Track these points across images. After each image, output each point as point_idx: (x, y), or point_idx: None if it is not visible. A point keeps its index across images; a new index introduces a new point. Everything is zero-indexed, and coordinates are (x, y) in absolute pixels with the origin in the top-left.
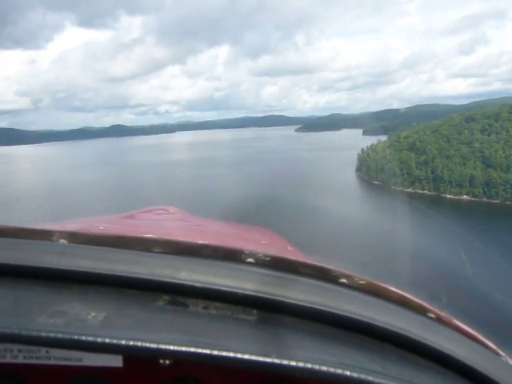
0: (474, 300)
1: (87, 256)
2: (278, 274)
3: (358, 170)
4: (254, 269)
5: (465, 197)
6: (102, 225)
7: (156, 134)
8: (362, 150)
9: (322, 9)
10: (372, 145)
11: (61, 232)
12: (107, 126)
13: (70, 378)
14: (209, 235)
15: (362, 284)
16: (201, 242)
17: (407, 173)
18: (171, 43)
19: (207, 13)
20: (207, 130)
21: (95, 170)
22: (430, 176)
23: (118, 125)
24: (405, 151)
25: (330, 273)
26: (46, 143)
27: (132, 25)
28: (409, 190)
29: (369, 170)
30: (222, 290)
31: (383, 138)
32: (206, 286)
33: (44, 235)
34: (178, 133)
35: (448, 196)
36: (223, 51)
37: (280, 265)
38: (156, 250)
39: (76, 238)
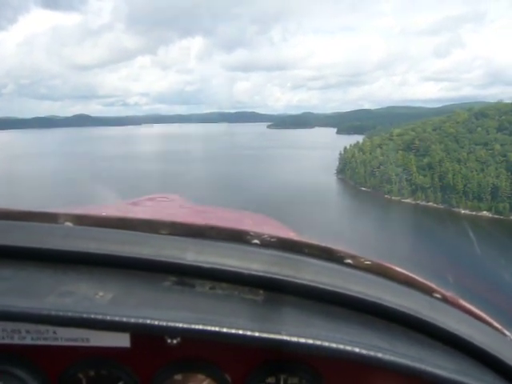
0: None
1: (93, 237)
2: (283, 254)
3: (340, 172)
4: (260, 250)
5: (485, 213)
6: (106, 211)
7: (123, 125)
8: (345, 148)
9: (300, 3)
10: (357, 143)
11: (66, 215)
12: (71, 115)
13: (78, 359)
14: (213, 219)
15: (367, 264)
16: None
17: (406, 179)
18: (142, 32)
19: (180, 1)
20: (176, 124)
21: (44, 160)
22: (437, 184)
23: (83, 115)
24: (401, 152)
25: (335, 253)
26: (6, 130)
27: (101, 9)
28: (408, 200)
29: (354, 173)
30: (228, 270)
31: (358, 137)
32: (212, 266)
33: (50, 218)
34: (146, 125)
35: (462, 211)
36: (196, 43)
37: (285, 246)
38: (162, 232)
39: (82, 220)
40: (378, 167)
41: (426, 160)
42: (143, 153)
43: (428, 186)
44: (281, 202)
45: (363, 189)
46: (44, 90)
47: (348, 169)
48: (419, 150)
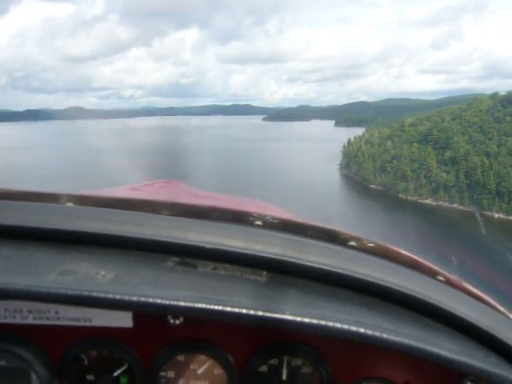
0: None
1: (94, 217)
2: (286, 236)
3: (345, 167)
4: (263, 231)
5: None
6: (107, 193)
7: (116, 118)
8: (349, 141)
9: None
10: (363, 135)
11: (68, 195)
12: (64, 107)
13: (80, 339)
14: (215, 201)
15: (371, 246)
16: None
17: (425, 176)
18: (136, 23)
19: None
20: (171, 117)
21: (28, 152)
22: (463, 182)
23: (76, 107)
24: (416, 144)
25: (338, 235)
26: None
27: (93, 0)
28: (427, 200)
29: (361, 168)
30: (231, 251)
31: (358, 129)
32: (215, 247)
33: (51, 198)
34: (140, 118)
35: (496, 215)
36: (191, 34)
37: (289, 227)
38: (163, 213)
39: (83, 200)
40: (390, 162)
41: (447, 154)
42: (134, 145)
43: (452, 184)
44: (277, 203)
45: (373, 186)
46: (37, 82)
47: (354, 163)
48: (438, 142)
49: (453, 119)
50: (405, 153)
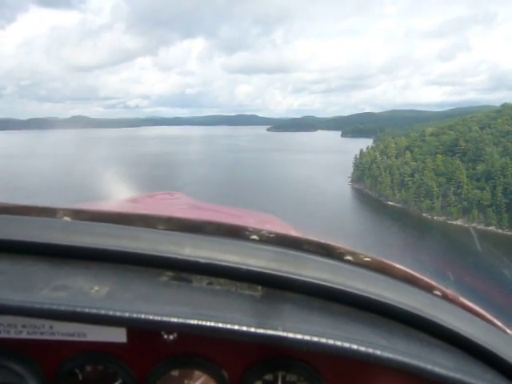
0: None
1: (90, 232)
2: (282, 250)
3: (357, 180)
4: (259, 245)
5: None
6: (105, 206)
7: (121, 127)
8: (361, 152)
9: (303, 6)
10: (377, 145)
11: (65, 209)
12: (68, 116)
13: (75, 354)
14: (211, 216)
15: (367, 261)
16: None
17: (454, 192)
18: (142, 32)
19: (181, 1)
20: (176, 127)
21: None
22: (501, 201)
23: (81, 116)
24: (440, 156)
25: (334, 250)
26: (1, 131)
27: (100, 8)
28: (457, 222)
29: (377, 182)
30: (226, 265)
31: (365, 140)
32: (210, 261)
33: (48, 212)
34: (145, 128)
35: None
36: (197, 44)
37: (284, 242)
38: (159, 227)
39: (80, 215)
40: (411, 175)
41: (480, 167)
42: (137, 155)
43: (488, 203)
44: (284, 220)
45: (391, 203)
46: (44, 91)
47: (368, 177)
48: (467, 154)
49: (481, 128)
50: (428, 165)
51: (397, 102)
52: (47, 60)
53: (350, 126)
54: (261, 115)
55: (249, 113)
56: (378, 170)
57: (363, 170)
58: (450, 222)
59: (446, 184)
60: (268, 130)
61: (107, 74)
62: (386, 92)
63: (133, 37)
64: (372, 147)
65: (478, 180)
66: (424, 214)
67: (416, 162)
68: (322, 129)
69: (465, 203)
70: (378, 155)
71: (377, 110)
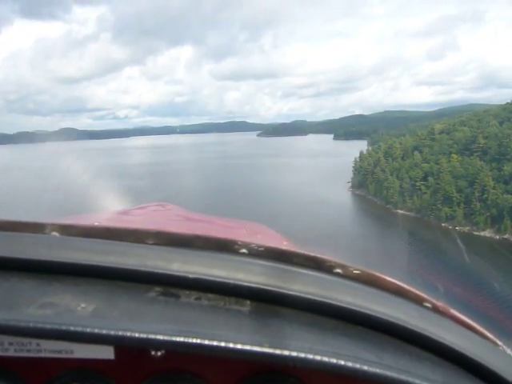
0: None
1: (78, 248)
2: (271, 264)
3: (359, 186)
4: (248, 259)
5: None
6: (95, 220)
7: (110, 138)
8: (361, 154)
9: (291, 9)
10: (379, 146)
11: (53, 224)
12: (56, 129)
13: (63, 372)
14: (203, 228)
15: (357, 274)
16: (193, 233)
17: (478, 198)
18: (129, 41)
19: (168, 9)
20: (165, 136)
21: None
22: None
23: (69, 128)
24: (455, 155)
25: (324, 263)
26: None
27: (85, 18)
28: (485, 232)
29: (382, 187)
30: (214, 280)
31: (358, 142)
32: (198, 276)
33: (36, 228)
34: (134, 138)
35: None
36: (185, 52)
37: (273, 255)
38: (148, 242)
39: (68, 230)
40: (424, 179)
41: (508, 168)
42: (125, 165)
43: None
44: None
45: (401, 212)
46: (32, 105)
47: (371, 182)
48: (488, 153)
49: (500, 122)
50: (444, 167)
51: (386, 103)
52: (34, 73)
53: (341, 128)
54: (251, 121)
55: (239, 119)
56: (384, 173)
57: (365, 175)
58: (476, 233)
59: (466, 188)
60: (258, 135)
61: (95, 85)
62: (375, 94)
63: (119, 46)
64: (373, 148)
65: (506, 183)
66: (443, 224)
67: (428, 163)
68: (313, 132)
69: (493, 210)
70: (382, 157)
71: (367, 112)
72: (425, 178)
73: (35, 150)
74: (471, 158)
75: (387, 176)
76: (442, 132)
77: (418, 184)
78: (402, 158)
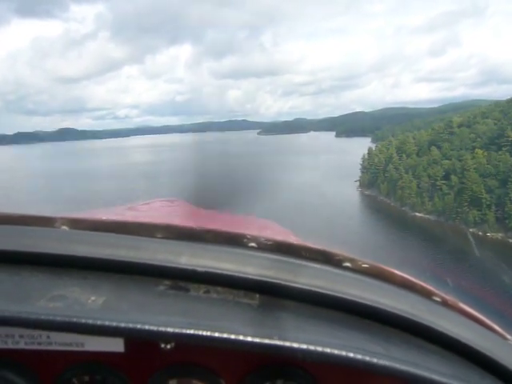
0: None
1: (88, 241)
2: (280, 258)
3: (368, 186)
4: (257, 253)
5: None
6: (104, 214)
7: (109, 138)
8: (370, 150)
9: (291, 7)
10: (390, 142)
11: (62, 218)
12: (56, 129)
13: (72, 364)
14: (211, 222)
15: (365, 267)
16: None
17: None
18: (128, 40)
19: (166, 7)
20: (166, 135)
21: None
22: None
23: (68, 128)
24: (480, 151)
25: (333, 256)
26: None
27: (83, 17)
28: None
29: (397, 187)
30: (223, 274)
31: (361, 139)
32: (207, 270)
33: (46, 222)
34: (134, 137)
35: None
36: (184, 50)
37: (282, 249)
38: (157, 236)
39: (78, 224)
40: (446, 178)
41: None
42: (126, 164)
43: None
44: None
45: (420, 215)
46: (31, 105)
47: (383, 181)
48: None
49: None
50: (469, 164)
51: (387, 100)
52: (32, 72)
53: (342, 126)
54: (251, 120)
55: (239, 118)
56: (397, 171)
57: (375, 173)
58: (511, 240)
59: (499, 188)
60: (259, 133)
61: (94, 85)
62: (376, 91)
63: (118, 45)
64: (383, 144)
65: None
66: (471, 229)
67: (449, 159)
68: (314, 130)
69: None
70: (395, 154)
71: (368, 109)
72: (446, 177)
73: (32, 150)
74: (499, 153)
75: (402, 174)
76: (461, 125)
77: (438, 183)
78: (418, 155)
